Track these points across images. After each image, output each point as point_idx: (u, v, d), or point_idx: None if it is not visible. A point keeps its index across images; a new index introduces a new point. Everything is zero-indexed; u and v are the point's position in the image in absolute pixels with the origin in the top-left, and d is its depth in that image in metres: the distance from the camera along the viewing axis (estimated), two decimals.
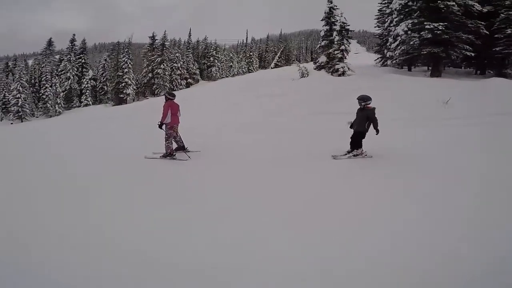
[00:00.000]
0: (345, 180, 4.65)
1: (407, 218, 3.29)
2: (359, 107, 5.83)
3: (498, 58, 16.19)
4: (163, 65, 39.25)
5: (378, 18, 26.69)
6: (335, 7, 18.35)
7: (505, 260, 2.57)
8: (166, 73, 39.46)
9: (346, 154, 5.91)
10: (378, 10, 27.00)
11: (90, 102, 37.56)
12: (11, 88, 33.48)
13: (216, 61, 46.63)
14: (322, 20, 19.03)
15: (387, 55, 21.31)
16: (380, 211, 3.48)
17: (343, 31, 17.10)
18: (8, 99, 34.46)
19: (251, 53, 50.92)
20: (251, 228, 3.22)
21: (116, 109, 25.42)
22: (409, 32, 15.77)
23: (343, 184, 4.48)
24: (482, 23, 15.11)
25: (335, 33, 17.29)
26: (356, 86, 12.00)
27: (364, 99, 5.75)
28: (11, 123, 32.76)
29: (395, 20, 17.57)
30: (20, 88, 32.79)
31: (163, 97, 6.60)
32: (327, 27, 18.33)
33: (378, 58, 26.52)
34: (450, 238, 2.86)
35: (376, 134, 5.59)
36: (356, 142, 5.84)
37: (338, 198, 3.95)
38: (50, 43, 40.70)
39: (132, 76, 37.80)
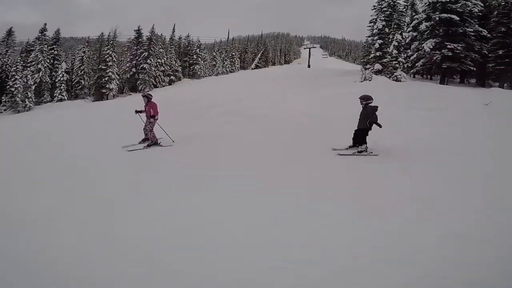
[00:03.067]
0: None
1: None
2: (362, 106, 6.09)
3: (493, 73, 19.70)
4: (150, 60, 36.94)
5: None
6: (386, 25, 21.84)
7: None
8: (153, 68, 37.23)
9: (348, 148, 6.19)
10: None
11: (66, 97, 33.37)
12: None
13: (200, 59, 45.46)
14: (373, 36, 22.86)
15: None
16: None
17: (400, 47, 21.00)
18: None
19: (233, 54, 50.81)
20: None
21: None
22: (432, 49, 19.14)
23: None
24: (486, 45, 18.71)
25: (392, 47, 20.57)
26: (423, 90, 14.29)
27: (365, 99, 5.99)
28: None
29: (415, 37, 21.13)
30: None
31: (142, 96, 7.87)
32: (380, 41, 21.66)
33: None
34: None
35: (380, 127, 5.74)
36: (359, 139, 6.06)
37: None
38: (10, 32, 35.00)
39: (116, 70, 34.75)
